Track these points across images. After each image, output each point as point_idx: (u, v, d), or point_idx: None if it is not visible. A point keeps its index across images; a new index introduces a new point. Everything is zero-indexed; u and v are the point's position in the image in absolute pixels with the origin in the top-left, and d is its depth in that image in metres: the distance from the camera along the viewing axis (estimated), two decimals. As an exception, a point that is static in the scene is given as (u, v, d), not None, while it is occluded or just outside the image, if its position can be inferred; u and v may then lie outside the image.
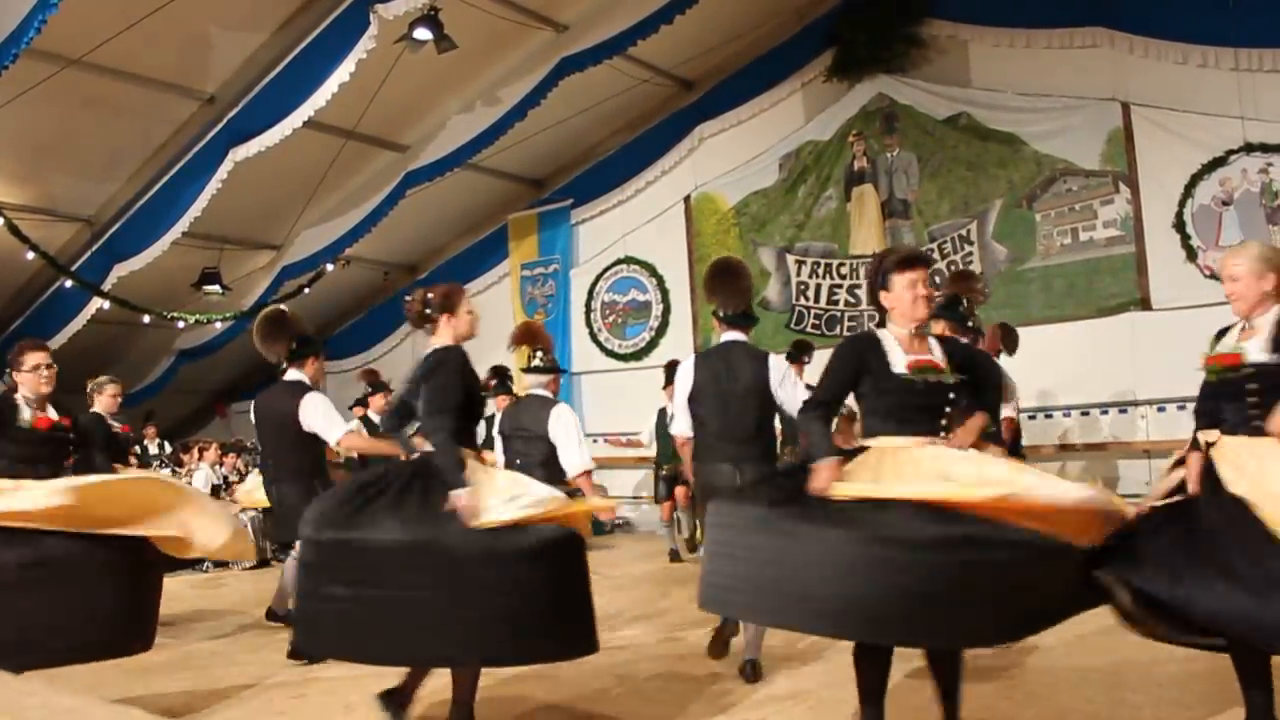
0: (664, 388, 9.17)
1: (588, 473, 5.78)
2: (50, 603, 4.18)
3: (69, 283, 11.95)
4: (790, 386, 5.13)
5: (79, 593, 4.25)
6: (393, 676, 4.13)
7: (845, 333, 11.87)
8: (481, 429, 8.76)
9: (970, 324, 6.72)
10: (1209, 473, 3.52)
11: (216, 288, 13.15)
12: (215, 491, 11.47)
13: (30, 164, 11.20)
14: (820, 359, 10.76)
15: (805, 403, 3.90)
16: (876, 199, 11.90)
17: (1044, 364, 10.14)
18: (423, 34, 9.72)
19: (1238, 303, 3.73)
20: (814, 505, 3.39)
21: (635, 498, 13.04)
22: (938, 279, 11.33)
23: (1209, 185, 9.91)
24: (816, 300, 12.26)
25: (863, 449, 3.63)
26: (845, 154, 12.13)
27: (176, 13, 9.18)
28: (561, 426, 5.87)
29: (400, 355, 15.12)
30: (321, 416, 5.65)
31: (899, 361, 3.66)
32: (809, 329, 12.14)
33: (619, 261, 13.92)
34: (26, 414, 4.81)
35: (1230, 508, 3.34)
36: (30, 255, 11.42)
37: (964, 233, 11.31)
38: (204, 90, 10.78)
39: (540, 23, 11.14)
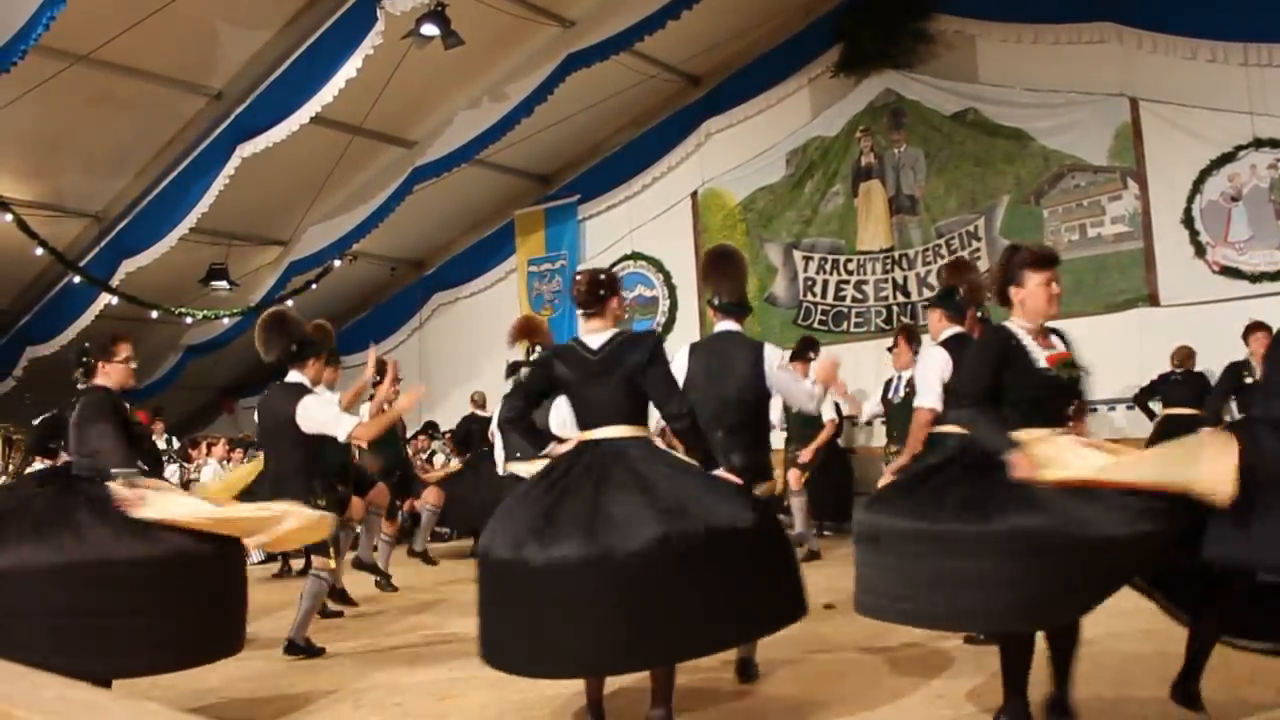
0: None
1: None
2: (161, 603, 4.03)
3: (77, 278, 11.99)
4: (786, 376, 5.09)
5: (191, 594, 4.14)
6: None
7: (852, 329, 11.85)
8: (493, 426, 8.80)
9: (980, 315, 6.73)
10: None
11: (224, 283, 13.18)
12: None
13: (38, 160, 11.24)
14: (824, 356, 10.81)
15: (958, 399, 3.90)
16: (884, 195, 11.88)
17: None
18: (429, 30, 9.73)
19: None
20: (988, 499, 3.41)
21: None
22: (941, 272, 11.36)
23: (1218, 181, 9.88)
24: (824, 296, 12.24)
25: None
26: (852, 150, 12.11)
27: (184, 9, 9.21)
28: (559, 422, 5.92)
29: (407, 350, 15.17)
30: (324, 417, 5.65)
31: (1040, 357, 3.77)
32: (816, 325, 12.13)
33: (626, 257, 13.92)
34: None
35: None
36: (39, 251, 11.47)
37: (971, 229, 11.28)
38: (211, 86, 10.80)
39: (547, 18, 11.13)
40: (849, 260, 12.11)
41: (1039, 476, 3.40)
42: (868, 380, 10.71)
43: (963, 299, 5.69)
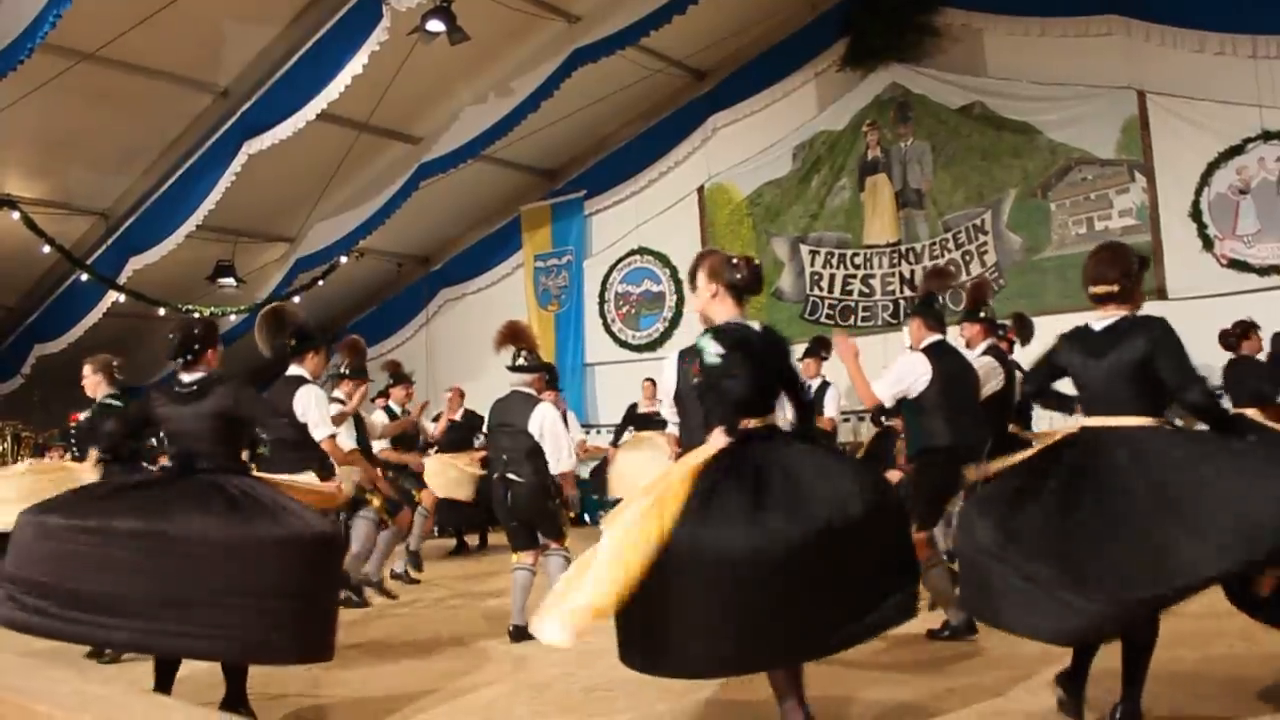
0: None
1: (570, 473, 6.10)
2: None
3: (84, 276, 12.01)
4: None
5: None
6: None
7: (859, 323, 11.83)
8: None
9: (984, 315, 6.71)
10: None
11: (231, 280, 13.20)
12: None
13: (45, 158, 11.26)
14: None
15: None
16: (890, 189, 11.86)
17: (1059, 354, 10.11)
18: (435, 26, 9.72)
19: None
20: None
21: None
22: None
23: (1226, 174, 9.85)
24: (830, 290, 12.23)
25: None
26: (859, 144, 12.09)
27: (190, 6, 9.21)
28: (549, 427, 6.00)
29: (414, 347, 15.18)
30: (314, 411, 5.77)
31: None
32: (823, 319, 12.12)
33: (632, 252, 13.92)
34: None
35: None
36: (46, 249, 11.50)
37: (978, 222, 11.26)
38: (217, 83, 10.81)
39: (553, 14, 11.12)
40: (856, 254, 12.09)
41: None
42: (874, 374, 10.65)
43: (942, 307, 5.69)
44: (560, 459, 5.98)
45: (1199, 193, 9.95)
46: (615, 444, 11.25)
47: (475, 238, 15.42)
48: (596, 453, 12.10)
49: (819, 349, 8.85)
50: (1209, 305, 9.60)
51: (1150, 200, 10.24)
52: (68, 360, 12.87)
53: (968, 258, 11.29)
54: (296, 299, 13.82)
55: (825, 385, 8.88)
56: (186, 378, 4.47)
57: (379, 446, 8.34)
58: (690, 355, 5.23)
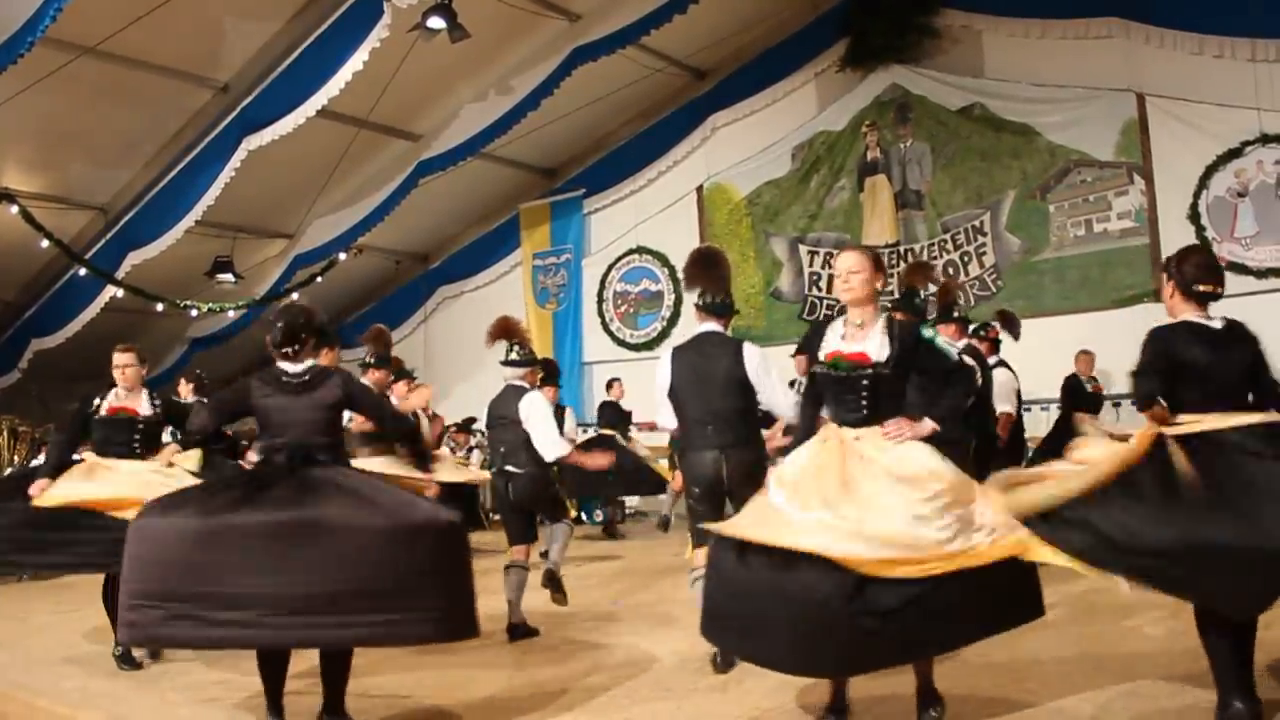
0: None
1: (562, 457, 6.09)
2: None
3: (83, 270, 12.00)
4: (764, 374, 5.10)
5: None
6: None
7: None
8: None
9: (958, 315, 6.73)
10: None
11: (229, 276, 13.19)
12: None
13: (44, 152, 11.25)
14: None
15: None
16: (889, 189, 11.88)
17: (1057, 355, 10.12)
18: (436, 23, 9.73)
19: None
20: None
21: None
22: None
23: (1224, 176, 9.87)
24: (829, 290, 12.23)
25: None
26: (858, 144, 12.10)
27: (190, 2, 9.22)
28: (532, 414, 6.05)
29: (412, 344, 15.17)
30: None
31: None
32: (821, 319, 12.12)
33: (631, 251, 13.93)
34: None
35: None
36: (44, 243, 11.48)
37: (977, 223, 11.27)
38: (218, 79, 10.81)
39: (553, 12, 11.13)
40: (854, 255, 12.07)
41: None
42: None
43: (923, 301, 5.69)
44: (551, 451, 6.00)
45: (1197, 195, 9.96)
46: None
47: (474, 236, 15.42)
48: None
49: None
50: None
51: (1149, 202, 10.26)
52: (65, 355, 12.89)
53: (966, 259, 11.30)
54: (295, 295, 13.82)
55: None
56: (292, 368, 4.35)
57: None
58: (680, 352, 5.25)
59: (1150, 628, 5.27)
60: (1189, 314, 4.03)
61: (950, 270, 11.34)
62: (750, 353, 5.09)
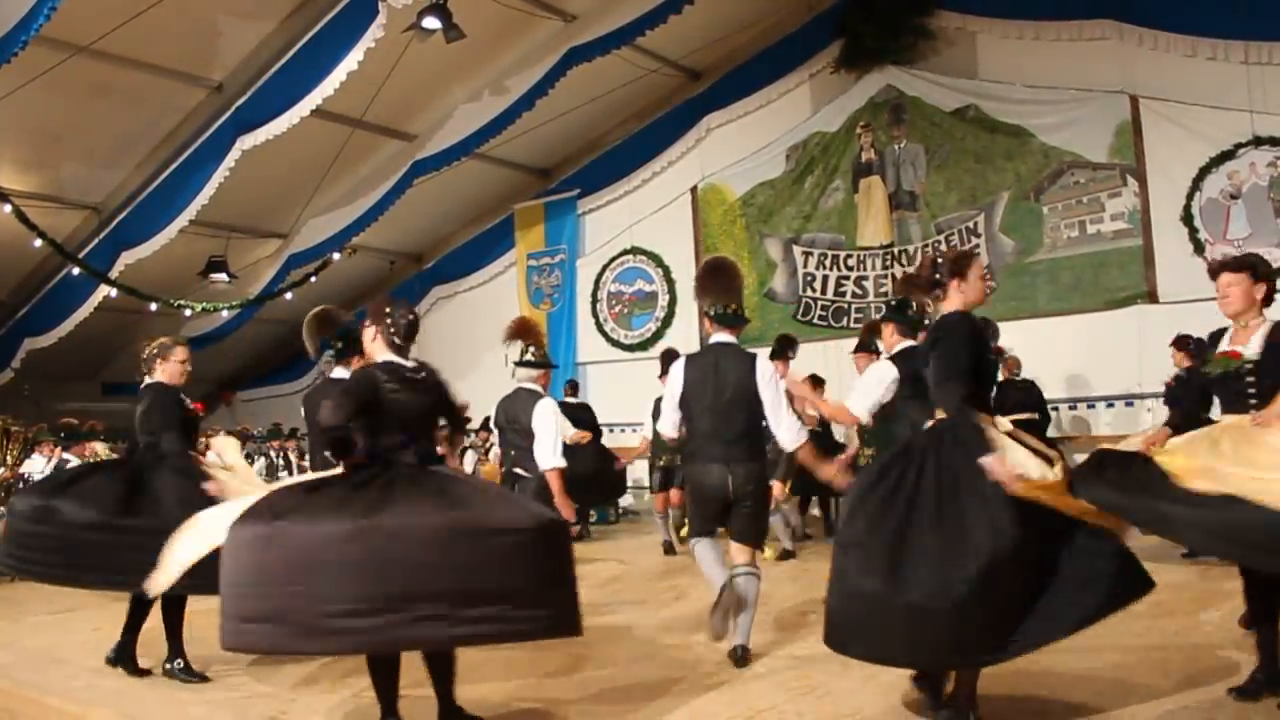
0: (659, 376, 8.93)
1: (557, 470, 5.85)
2: None
3: (76, 270, 11.99)
4: (772, 391, 5.12)
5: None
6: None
7: (852, 324, 11.85)
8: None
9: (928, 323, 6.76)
10: None
11: (223, 276, 13.19)
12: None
13: (38, 151, 11.23)
14: (808, 354, 10.77)
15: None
16: (884, 190, 11.89)
17: (1050, 356, 10.17)
18: (431, 23, 9.72)
19: None
20: None
21: (637, 488, 13.03)
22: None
23: (1217, 179, 9.89)
24: (823, 292, 12.25)
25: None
26: (853, 145, 12.12)
27: (184, 1, 9.21)
28: (539, 422, 5.96)
29: (406, 344, 15.13)
30: None
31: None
32: (815, 320, 12.15)
33: (625, 252, 13.93)
34: None
35: None
36: (38, 243, 11.47)
37: (971, 225, 11.29)
38: (212, 78, 10.80)
39: (548, 12, 11.13)
40: (849, 256, 12.11)
41: None
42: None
43: (916, 313, 5.71)
44: (548, 459, 5.87)
45: (1190, 197, 9.98)
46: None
47: (468, 236, 15.43)
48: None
49: (785, 349, 8.77)
50: (1199, 309, 9.58)
51: (1142, 204, 10.28)
52: (58, 354, 12.88)
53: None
54: (289, 295, 13.82)
55: None
56: (407, 363, 4.27)
57: None
58: (694, 360, 5.24)
59: None
60: None
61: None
62: (764, 367, 5.12)
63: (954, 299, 4.25)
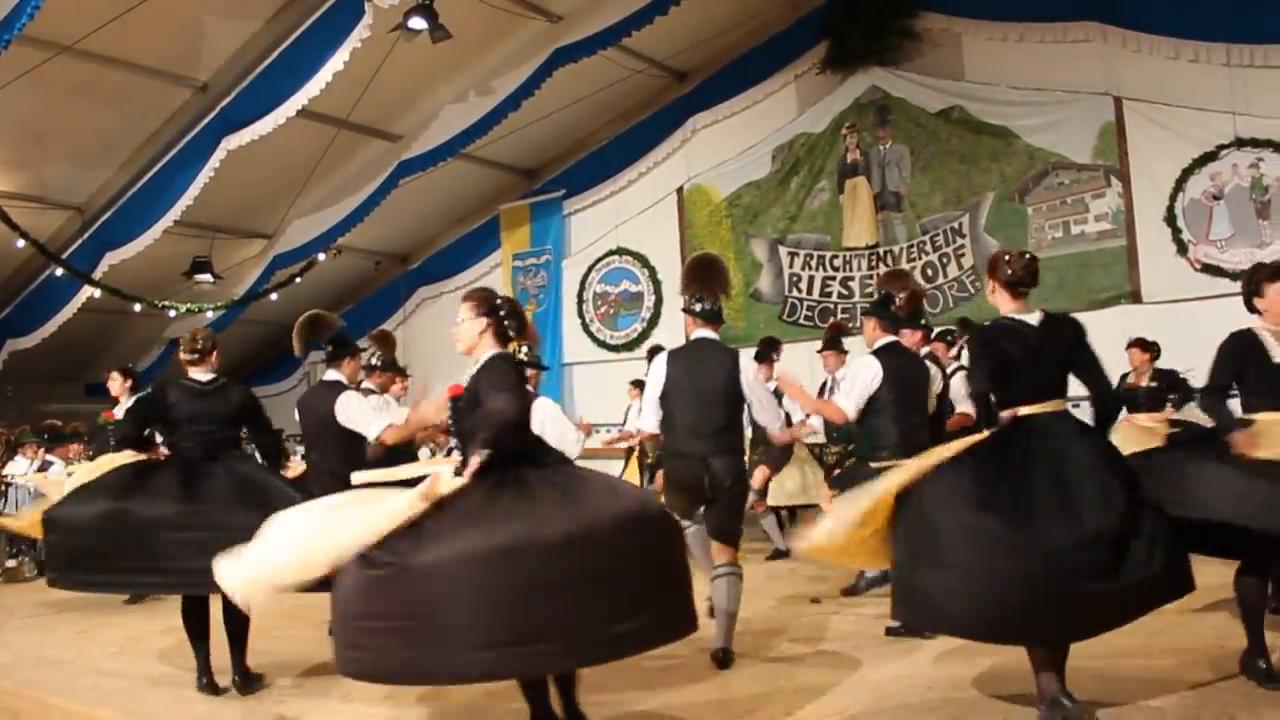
0: (647, 374, 8.91)
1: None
2: None
3: (59, 271, 11.91)
4: (759, 387, 5.17)
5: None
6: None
7: (837, 325, 11.89)
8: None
9: (924, 323, 6.82)
10: None
11: (208, 276, 13.12)
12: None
13: (21, 151, 11.16)
14: (793, 354, 10.78)
15: (1207, 390, 4.43)
16: (869, 191, 11.92)
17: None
18: (417, 23, 9.70)
19: None
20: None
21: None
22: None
23: (1200, 180, 9.95)
24: (809, 292, 12.28)
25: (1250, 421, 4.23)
26: (838, 146, 12.15)
27: (170, 0, 9.16)
28: (541, 420, 5.94)
29: (391, 345, 15.10)
30: (358, 414, 5.77)
31: (1276, 354, 4.34)
32: (801, 320, 12.18)
33: (611, 252, 13.93)
34: None
35: None
36: (20, 243, 11.40)
37: (956, 225, 11.34)
38: (197, 78, 10.75)
39: (534, 13, 11.12)
40: (834, 256, 12.14)
41: (1255, 452, 3.96)
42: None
43: (898, 309, 5.76)
44: (567, 446, 5.84)
45: (1173, 198, 10.05)
46: None
47: (454, 236, 15.41)
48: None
49: (769, 351, 8.80)
50: (1183, 309, 9.71)
51: (1126, 205, 10.34)
52: (42, 355, 12.81)
53: (945, 260, 11.37)
54: (274, 296, 13.77)
55: (777, 392, 8.76)
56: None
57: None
58: (676, 355, 5.27)
59: None
60: None
61: (929, 272, 11.41)
62: (747, 364, 5.16)
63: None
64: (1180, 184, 10.02)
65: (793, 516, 9.06)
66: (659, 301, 13.46)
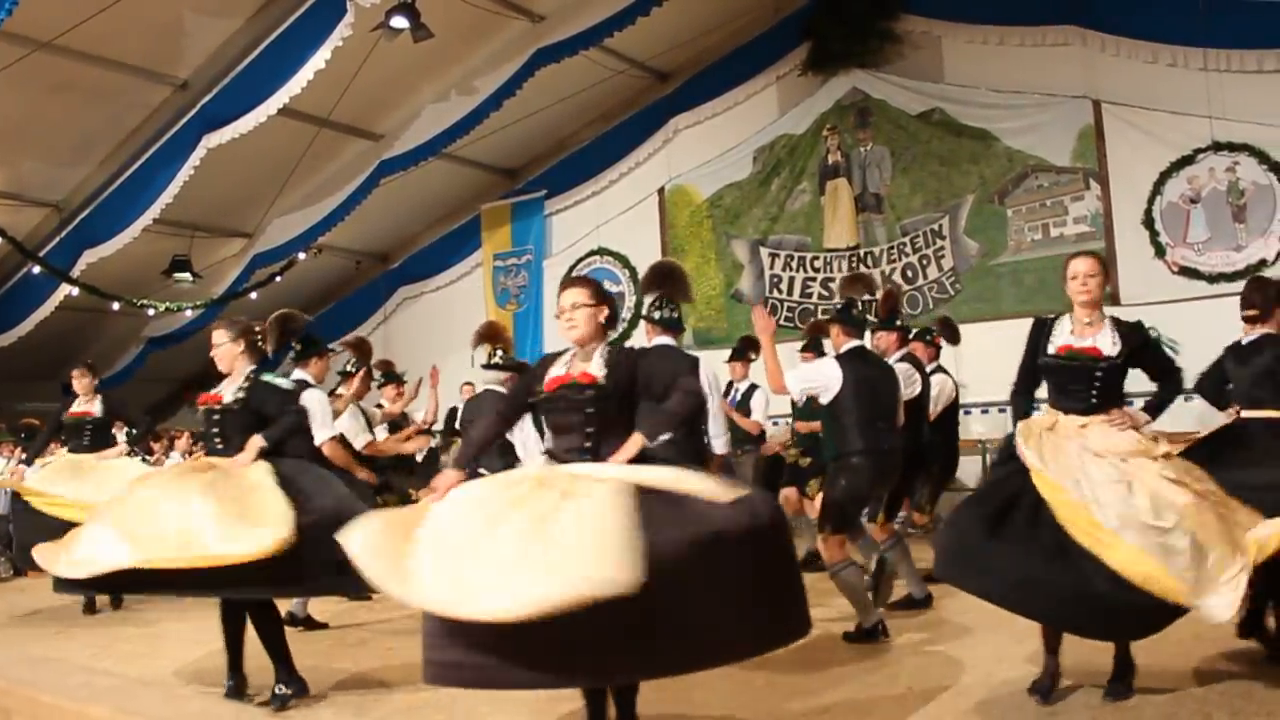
0: None
1: None
2: None
3: (37, 269, 11.84)
4: (712, 396, 5.14)
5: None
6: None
7: (818, 326, 11.93)
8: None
9: (900, 324, 6.86)
10: None
11: (187, 275, 13.07)
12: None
13: (-2, 148, 11.09)
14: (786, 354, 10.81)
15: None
16: (850, 193, 11.97)
17: (1014, 357, 10.22)
18: (399, 22, 9.68)
19: None
20: None
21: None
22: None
23: (1177, 183, 10.05)
24: (790, 293, 12.32)
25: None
26: (819, 148, 12.19)
27: (150, -3, 9.13)
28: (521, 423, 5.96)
29: (372, 345, 15.05)
30: (317, 415, 5.75)
31: None
32: (782, 322, 12.19)
33: (592, 253, 13.93)
34: None
35: None
36: (-3, 241, 11.32)
37: (936, 227, 11.40)
38: (177, 76, 10.70)
39: (516, 13, 11.12)
40: (815, 258, 12.18)
41: None
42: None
43: (860, 313, 5.81)
44: (527, 450, 5.88)
45: (1151, 201, 10.14)
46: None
47: (435, 236, 15.36)
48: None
49: (746, 350, 8.83)
50: (1160, 311, 9.70)
51: (1104, 208, 10.42)
52: (18, 354, 12.70)
53: (925, 262, 11.42)
54: (253, 295, 13.71)
55: (753, 388, 8.75)
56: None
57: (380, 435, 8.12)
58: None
59: None
60: None
61: (909, 273, 11.47)
62: (703, 371, 5.14)
63: None
64: (1158, 187, 10.11)
65: None
66: (639, 303, 13.46)
